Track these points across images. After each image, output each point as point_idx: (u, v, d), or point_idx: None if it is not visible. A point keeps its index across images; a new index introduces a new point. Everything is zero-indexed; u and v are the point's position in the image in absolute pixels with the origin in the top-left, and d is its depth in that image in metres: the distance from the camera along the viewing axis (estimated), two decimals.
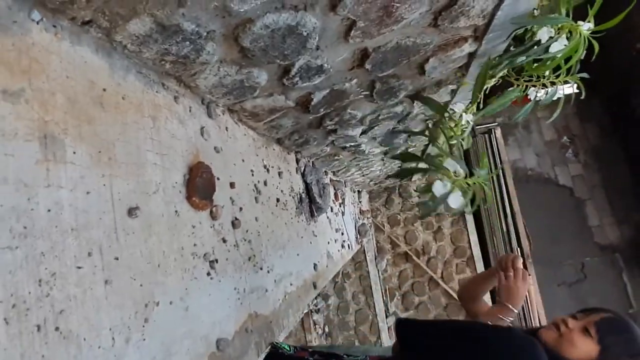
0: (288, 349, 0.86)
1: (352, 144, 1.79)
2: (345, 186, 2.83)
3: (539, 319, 3.29)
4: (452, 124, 1.09)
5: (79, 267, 0.52)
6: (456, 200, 0.98)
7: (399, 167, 1.23)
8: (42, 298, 0.47)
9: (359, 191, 3.45)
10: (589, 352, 1.01)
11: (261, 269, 1.10)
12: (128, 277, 0.60)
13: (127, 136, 0.66)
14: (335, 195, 2.43)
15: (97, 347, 0.52)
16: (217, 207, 0.89)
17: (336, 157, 2.03)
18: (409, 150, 1.79)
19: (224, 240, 0.92)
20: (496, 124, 4.16)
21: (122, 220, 0.61)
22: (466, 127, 1.10)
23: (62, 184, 0.52)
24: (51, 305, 0.48)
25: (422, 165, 1.02)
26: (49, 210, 0.49)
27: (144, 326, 0.62)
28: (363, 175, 2.97)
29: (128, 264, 0.61)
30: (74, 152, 0.55)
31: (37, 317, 0.47)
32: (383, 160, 2.42)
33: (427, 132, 1.16)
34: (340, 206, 2.53)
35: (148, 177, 0.69)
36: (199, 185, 0.81)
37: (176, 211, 0.76)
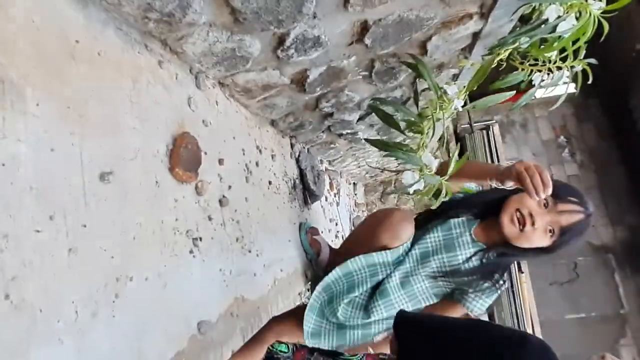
0: (286, 350, 0.78)
1: (349, 130, 1.74)
2: (341, 177, 2.78)
3: (530, 317, 3.28)
4: (442, 103, 1.04)
5: (38, 231, 0.46)
6: (410, 178, 0.95)
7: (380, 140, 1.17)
8: None
9: (354, 183, 3.40)
10: (539, 244, 1.01)
11: (249, 251, 1.04)
12: (97, 247, 0.55)
13: (102, 94, 0.60)
14: (331, 185, 2.38)
15: (57, 320, 0.47)
16: (202, 182, 0.84)
17: (332, 145, 1.98)
18: (406, 141, 1.74)
19: (210, 218, 0.87)
20: (494, 121, 4.12)
21: (92, 184, 0.55)
22: (454, 111, 1.07)
23: (21, 138, 0.46)
24: (1, 270, 0.42)
25: (398, 152, 0.99)
26: (3, 164, 0.44)
27: (114, 301, 0.56)
28: (359, 167, 2.92)
29: (98, 233, 0.55)
30: (37, 104, 0.49)
31: None
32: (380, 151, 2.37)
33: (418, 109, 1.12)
34: (335, 196, 2.48)
35: (125, 142, 0.64)
36: (183, 155, 0.76)
37: (157, 182, 0.70)
